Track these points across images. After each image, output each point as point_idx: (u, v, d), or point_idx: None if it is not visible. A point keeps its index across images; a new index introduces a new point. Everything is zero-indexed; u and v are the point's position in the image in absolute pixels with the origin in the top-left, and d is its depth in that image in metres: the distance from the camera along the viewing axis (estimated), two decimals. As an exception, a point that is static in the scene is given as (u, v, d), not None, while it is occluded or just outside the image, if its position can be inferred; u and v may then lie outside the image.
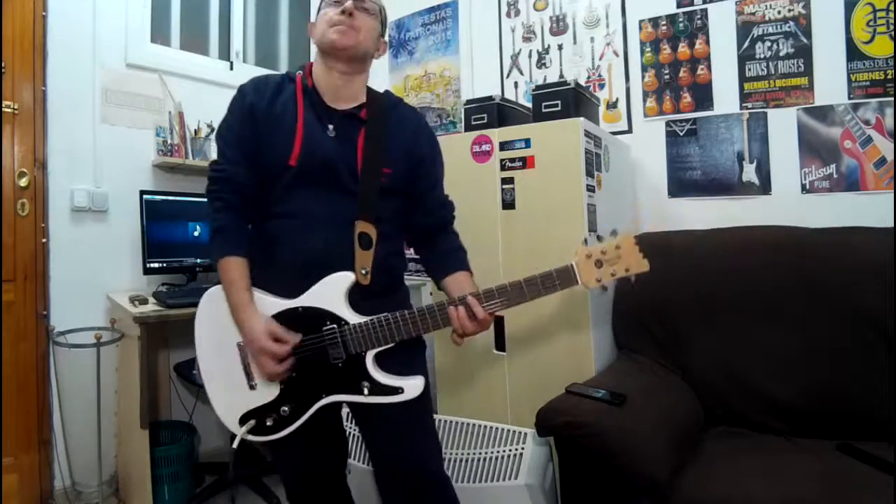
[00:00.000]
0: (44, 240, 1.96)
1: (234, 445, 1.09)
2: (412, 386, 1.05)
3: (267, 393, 1.07)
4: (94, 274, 2.07)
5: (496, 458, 1.54)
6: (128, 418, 1.92)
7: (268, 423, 1.07)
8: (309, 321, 1.05)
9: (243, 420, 1.09)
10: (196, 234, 2.19)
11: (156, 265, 2.07)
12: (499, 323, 1.68)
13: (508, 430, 1.57)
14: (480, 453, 1.57)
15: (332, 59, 1.10)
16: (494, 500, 1.50)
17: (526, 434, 1.53)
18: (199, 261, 2.18)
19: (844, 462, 1.23)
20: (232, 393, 1.09)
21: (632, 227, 1.99)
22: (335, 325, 1.04)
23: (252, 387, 1.08)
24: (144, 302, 1.78)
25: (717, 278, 1.58)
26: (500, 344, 1.69)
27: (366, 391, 1.04)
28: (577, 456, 1.27)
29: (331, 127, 1.08)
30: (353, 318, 1.04)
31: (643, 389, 1.40)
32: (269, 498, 2.01)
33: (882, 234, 1.44)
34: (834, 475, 1.15)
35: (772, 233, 1.61)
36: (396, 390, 1.04)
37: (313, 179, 1.06)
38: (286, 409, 1.06)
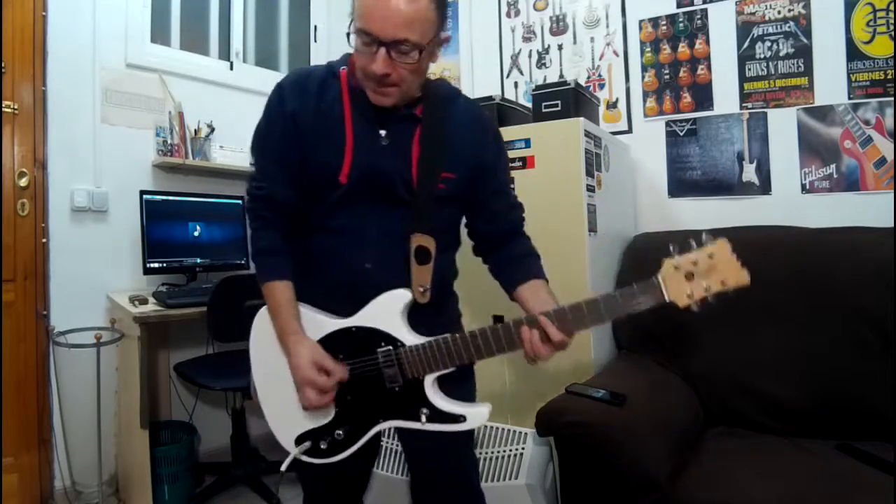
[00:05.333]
0: (44, 240, 1.96)
1: (283, 469, 1.02)
2: (476, 415, 0.95)
3: (322, 415, 1.01)
4: (94, 274, 2.07)
5: (496, 458, 1.54)
6: (128, 418, 1.92)
7: (322, 447, 1.01)
8: (363, 341, 0.98)
9: (299, 441, 1.03)
10: (196, 234, 2.18)
11: (156, 265, 2.07)
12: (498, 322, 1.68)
13: (508, 430, 1.57)
14: (481, 453, 1.57)
15: None
16: (495, 500, 1.49)
17: (526, 434, 1.53)
18: (199, 261, 2.18)
19: (844, 462, 1.23)
20: (287, 412, 1.03)
21: (631, 228, 1.99)
22: (390, 347, 0.96)
23: (306, 407, 1.03)
24: (144, 302, 1.78)
25: (717, 278, 1.58)
26: (500, 344, 1.69)
27: (423, 418, 0.96)
28: (577, 456, 1.27)
29: (383, 133, 0.97)
30: (411, 339, 0.96)
31: (643, 389, 1.39)
32: (269, 498, 2.01)
33: (882, 234, 1.44)
34: (834, 475, 1.15)
35: (772, 233, 1.61)
36: (458, 418, 0.95)
37: (365, 194, 0.97)
38: (340, 432, 1.00)
